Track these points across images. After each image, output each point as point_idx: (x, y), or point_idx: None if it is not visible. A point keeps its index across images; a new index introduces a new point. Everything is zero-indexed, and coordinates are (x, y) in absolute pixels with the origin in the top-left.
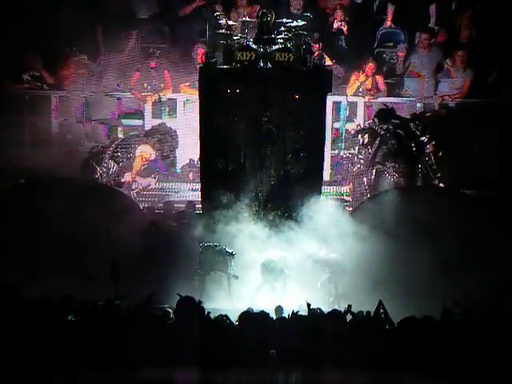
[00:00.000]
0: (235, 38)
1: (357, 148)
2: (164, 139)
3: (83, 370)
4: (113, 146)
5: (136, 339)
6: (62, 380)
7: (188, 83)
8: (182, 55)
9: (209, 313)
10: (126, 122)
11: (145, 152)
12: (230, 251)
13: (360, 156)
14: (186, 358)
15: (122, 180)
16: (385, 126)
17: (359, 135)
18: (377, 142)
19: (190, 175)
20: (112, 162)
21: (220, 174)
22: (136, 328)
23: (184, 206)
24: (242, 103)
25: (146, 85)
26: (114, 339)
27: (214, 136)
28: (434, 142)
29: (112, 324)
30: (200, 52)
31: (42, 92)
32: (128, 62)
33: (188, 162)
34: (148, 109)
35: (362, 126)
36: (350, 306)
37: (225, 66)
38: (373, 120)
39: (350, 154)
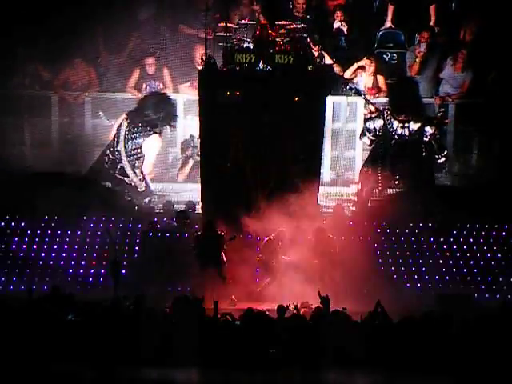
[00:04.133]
0: (235, 39)
1: (361, 149)
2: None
3: (83, 370)
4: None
5: (136, 339)
6: (62, 379)
7: (188, 84)
8: (182, 56)
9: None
10: None
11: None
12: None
13: (366, 154)
14: (186, 358)
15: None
16: (394, 123)
17: (370, 121)
18: (382, 141)
19: (190, 175)
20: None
21: (220, 175)
22: (135, 328)
23: (184, 205)
24: (241, 105)
25: (145, 85)
26: (115, 339)
27: (214, 137)
28: (438, 144)
29: (112, 324)
30: (200, 53)
31: (42, 93)
32: (128, 62)
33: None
34: None
35: (374, 110)
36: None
37: (224, 68)
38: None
39: (354, 153)
